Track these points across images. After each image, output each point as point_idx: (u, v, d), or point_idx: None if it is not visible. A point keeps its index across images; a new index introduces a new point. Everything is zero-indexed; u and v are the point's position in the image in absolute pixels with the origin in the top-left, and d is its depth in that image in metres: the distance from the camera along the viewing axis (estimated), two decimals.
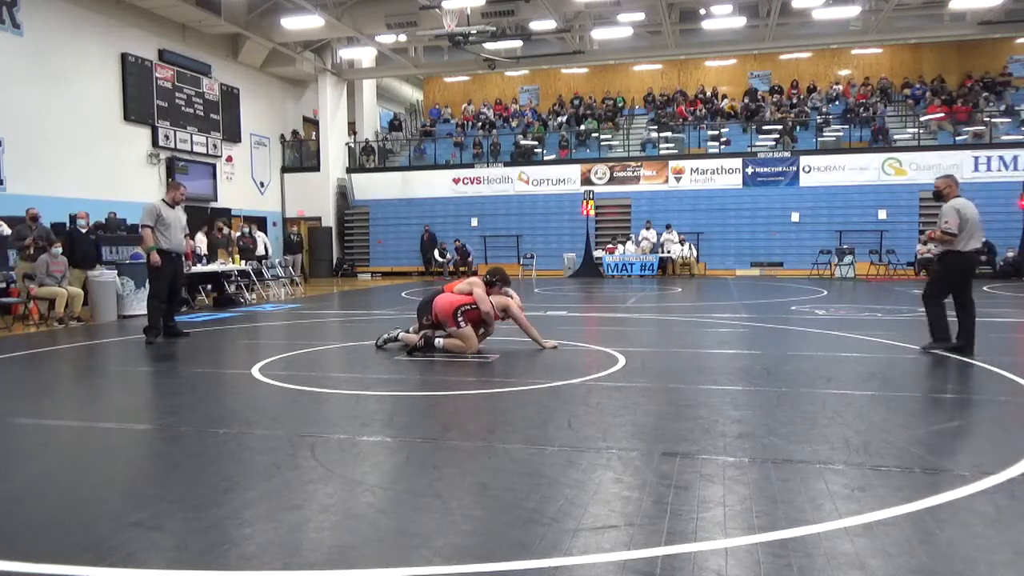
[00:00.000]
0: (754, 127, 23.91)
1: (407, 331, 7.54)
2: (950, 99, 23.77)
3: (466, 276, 21.91)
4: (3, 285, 10.76)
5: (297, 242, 22.06)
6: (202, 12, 19.18)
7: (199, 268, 13.20)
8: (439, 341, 7.10)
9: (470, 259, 23.31)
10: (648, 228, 22.49)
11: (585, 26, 22.09)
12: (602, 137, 25.28)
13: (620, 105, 27.30)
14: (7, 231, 12.02)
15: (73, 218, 13.25)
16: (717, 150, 23.78)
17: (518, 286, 18.08)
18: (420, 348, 7.08)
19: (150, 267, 8.51)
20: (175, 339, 8.66)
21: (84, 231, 12.18)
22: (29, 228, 11.84)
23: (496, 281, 7.48)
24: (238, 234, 17.48)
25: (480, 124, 27.43)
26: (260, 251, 17.46)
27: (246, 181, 23.16)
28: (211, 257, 14.69)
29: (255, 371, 6.35)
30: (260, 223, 21.48)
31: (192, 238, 12.62)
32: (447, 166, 25.35)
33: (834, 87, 26.25)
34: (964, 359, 6.55)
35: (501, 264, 23.31)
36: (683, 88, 27.86)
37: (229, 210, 21.34)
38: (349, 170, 25.78)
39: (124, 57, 17.89)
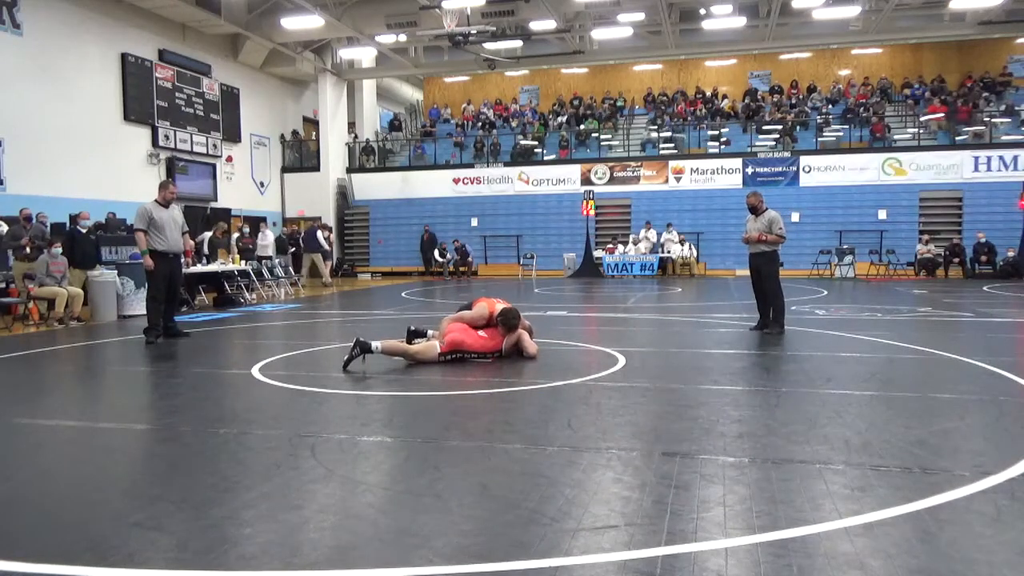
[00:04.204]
0: (754, 127, 23.90)
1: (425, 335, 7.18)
2: (950, 99, 23.76)
3: (466, 277, 21.89)
4: (2, 285, 10.75)
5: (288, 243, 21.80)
6: (202, 12, 19.18)
7: (198, 268, 13.19)
8: (376, 345, 6.39)
9: (470, 259, 23.31)
10: (648, 228, 22.48)
11: (585, 26, 22.09)
12: (602, 137, 25.27)
13: (620, 105, 27.29)
14: (4, 227, 12.01)
15: (73, 218, 13.24)
16: (717, 150, 23.77)
17: (518, 286, 18.18)
18: (355, 353, 6.28)
19: (146, 269, 8.53)
20: (175, 339, 8.65)
21: (84, 231, 12.17)
22: (23, 228, 11.83)
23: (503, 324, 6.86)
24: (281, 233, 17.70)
25: (480, 124, 27.41)
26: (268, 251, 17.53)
27: (246, 181, 23.16)
28: (212, 257, 14.69)
29: (255, 371, 6.34)
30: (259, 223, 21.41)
31: (193, 237, 12.57)
32: (447, 166, 25.33)
33: (835, 86, 26.25)
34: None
35: (501, 264, 23.39)
36: (683, 88, 27.85)
37: (229, 210, 21.35)
38: (349, 170, 25.77)
39: (124, 57, 17.89)
